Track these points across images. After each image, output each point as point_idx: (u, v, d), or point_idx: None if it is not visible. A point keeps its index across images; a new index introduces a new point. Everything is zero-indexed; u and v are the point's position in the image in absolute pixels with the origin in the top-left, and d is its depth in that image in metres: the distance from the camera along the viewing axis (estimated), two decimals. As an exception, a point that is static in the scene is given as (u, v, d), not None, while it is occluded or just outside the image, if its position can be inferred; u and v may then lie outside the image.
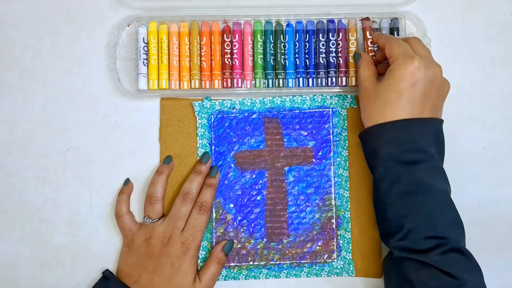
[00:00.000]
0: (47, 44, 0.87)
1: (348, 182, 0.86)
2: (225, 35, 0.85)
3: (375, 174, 0.77)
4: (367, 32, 0.84)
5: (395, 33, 0.86)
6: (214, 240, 0.86)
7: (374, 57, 0.83)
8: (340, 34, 0.86)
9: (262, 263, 0.86)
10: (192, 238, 0.81)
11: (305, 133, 0.86)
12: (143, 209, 0.86)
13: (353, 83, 0.85)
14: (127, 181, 0.86)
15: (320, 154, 0.86)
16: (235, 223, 0.86)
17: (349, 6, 0.86)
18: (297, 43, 0.85)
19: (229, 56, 0.85)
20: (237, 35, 0.85)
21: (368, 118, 0.78)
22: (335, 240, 0.86)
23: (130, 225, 0.84)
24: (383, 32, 0.85)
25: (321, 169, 0.86)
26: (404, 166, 0.74)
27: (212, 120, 0.86)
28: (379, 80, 0.78)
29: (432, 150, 0.75)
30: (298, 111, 0.86)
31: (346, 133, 0.86)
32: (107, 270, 0.84)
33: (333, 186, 0.86)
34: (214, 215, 0.86)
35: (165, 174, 0.85)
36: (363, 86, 0.79)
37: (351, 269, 0.86)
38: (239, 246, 0.86)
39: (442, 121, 0.79)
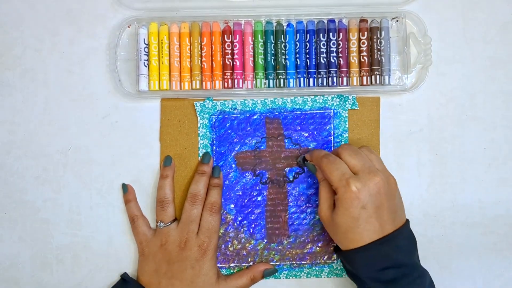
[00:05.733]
0: (48, 44, 0.87)
1: (348, 183, 0.86)
2: (225, 35, 0.85)
3: None
4: (364, 34, 0.85)
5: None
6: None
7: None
8: (341, 34, 0.85)
9: (262, 263, 0.86)
10: (208, 240, 0.82)
11: (306, 134, 0.86)
12: (147, 210, 0.87)
13: (354, 83, 0.85)
14: (125, 188, 0.86)
15: (320, 154, 0.86)
16: (235, 224, 0.86)
17: (350, 6, 0.86)
18: (297, 43, 0.85)
19: (230, 56, 0.85)
20: (237, 36, 0.85)
21: (337, 243, 0.79)
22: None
23: (144, 229, 0.85)
24: (383, 37, 0.85)
25: (322, 170, 0.86)
26: (388, 284, 0.74)
27: (214, 121, 0.86)
28: (330, 206, 0.78)
29: (407, 259, 0.76)
30: (299, 112, 0.86)
31: (347, 135, 0.86)
32: (125, 273, 0.85)
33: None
34: (214, 215, 0.86)
35: (170, 177, 0.85)
36: (321, 213, 0.79)
37: (352, 270, 0.86)
38: (239, 246, 0.86)
39: (407, 222, 0.78)
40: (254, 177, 0.86)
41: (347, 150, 0.77)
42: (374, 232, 0.74)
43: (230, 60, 0.85)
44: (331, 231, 0.79)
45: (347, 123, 0.86)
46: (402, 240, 0.76)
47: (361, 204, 0.74)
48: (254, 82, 0.85)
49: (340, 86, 0.86)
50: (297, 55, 0.85)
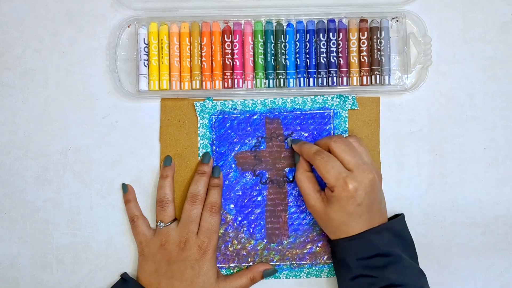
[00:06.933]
0: (48, 44, 0.87)
1: (348, 183, 0.86)
2: (225, 35, 0.85)
3: (346, 281, 0.79)
4: (364, 34, 0.85)
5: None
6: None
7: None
8: (341, 34, 0.85)
9: (262, 264, 0.86)
10: (208, 240, 0.82)
11: (306, 134, 0.86)
12: (147, 210, 0.87)
13: (354, 83, 0.85)
14: (125, 188, 0.86)
15: (320, 154, 0.86)
16: (235, 224, 0.86)
17: (350, 6, 0.86)
18: (297, 43, 0.85)
19: (229, 56, 0.85)
20: (237, 35, 0.85)
21: (328, 233, 0.82)
22: (335, 241, 0.86)
23: (144, 229, 0.84)
24: (383, 37, 0.85)
25: (321, 170, 0.86)
26: (376, 270, 0.76)
27: (214, 121, 0.86)
28: (323, 199, 0.79)
29: (397, 251, 0.78)
30: (299, 112, 0.86)
31: (347, 135, 0.86)
32: (125, 273, 0.85)
33: (333, 187, 0.86)
34: (214, 215, 0.86)
35: (170, 177, 0.85)
36: (310, 203, 0.80)
37: (352, 270, 0.86)
38: (239, 247, 0.86)
39: (399, 219, 0.81)
40: (254, 177, 0.86)
41: (340, 145, 0.78)
42: (364, 225, 0.77)
43: (230, 60, 0.85)
44: (322, 223, 0.81)
45: (347, 123, 0.86)
46: (387, 233, 0.78)
47: (357, 202, 0.76)
48: (254, 82, 0.85)
49: (340, 86, 0.86)
50: (297, 55, 0.85)
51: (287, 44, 0.86)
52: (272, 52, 0.86)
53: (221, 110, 0.86)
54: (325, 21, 0.86)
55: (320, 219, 0.80)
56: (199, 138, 0.86)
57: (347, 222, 0.77)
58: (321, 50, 0.85)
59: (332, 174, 0.76)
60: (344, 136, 0.81)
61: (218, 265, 0.86)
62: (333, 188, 0.76)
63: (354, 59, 0.85)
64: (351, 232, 0.77)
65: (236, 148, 0.87)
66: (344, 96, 0.86)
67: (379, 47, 0.85)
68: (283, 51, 0.86)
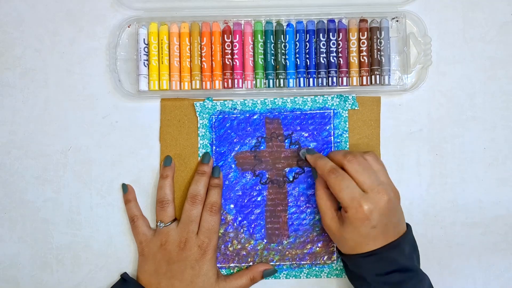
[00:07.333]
0: (48, 44, 0.87)
1: (348, 184, 0.86)
2: (225, 35, 0.85)
3: None
4: (364, 34, 0.85)
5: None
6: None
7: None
8: (341, 34, 0.85)
9: (262, 264, 0.86)
10: (208, 240, 0.82)
11: (306, 134, 0.86)
12: (147, 210, 0.87)
13: (354, 83, 0.85)
14: (125, 188, 0.86)
15: (320, 154, 0.86)
16: (235, 224, 0.86)
17: (350, 6, 0.86)
18: (297, 43, 0.85)
19: (229, 56, 0.85)
20: (237, 36, 0.85)
21: (342, 250, 0.80)
22: (335, 241, 0.86)
23: (144, 229, 0.84)
24: (383, 37, 0.85)
25: (321, 170, 0.86)
26: (394, 286, 0.75)
27: (213, 121, 0.86)
28: (339, 219, 0.78)
29: (410, 264, 0.77)
30: (299, 112, 0.86)
31: (347, 135, 0.86)
32: (125, 273, 0.86)
33: (333, 187, 0.86)
34: (214, 215, 0.86)
35: (170, 177, 0.85)
36: (326, 222, 0.79)
37: (352, 270, 0.86)
38: (239, 247, 0.86)
39: (410, 229, 0.80)
40: (254, 177, 0.86)
41: (354, 165, 0.76)
42: (379, 243, 0.75)
43: (230, 60, 0.85)
44: (336, 241, 0.80)
45: (347, 123, 0.86)
46: (405, 245, 0.77)
47: (371, 224, 0.74)
48: (254, 82, 0.85)
49: (340, 86, 0.85)
50: (297, 55, 0.85)
51: (287, 44, 0.86)
52: (272, 52, 0.85)
53: (221, 110, 0.86)
54: (325, 21, 0.86)
55: (334, 237, 0.80)
56: (199, 138, 0.86)
57: (361, 243, 0.76)
58: (321, 50, 0.85)
59: (346, 195, 0.75)
60: (359, 152, 0.79)
61: (218, 265, 0.86)
62: (346, 209, 0.75)
63: (354, 59, 0.85)
64: (366, 250, 0.76)
65: (236, 148, 0.87)
66: (344, 96, 0.86)
67: (379, 47, 0.85)
68: (283, 51, 0.86)
